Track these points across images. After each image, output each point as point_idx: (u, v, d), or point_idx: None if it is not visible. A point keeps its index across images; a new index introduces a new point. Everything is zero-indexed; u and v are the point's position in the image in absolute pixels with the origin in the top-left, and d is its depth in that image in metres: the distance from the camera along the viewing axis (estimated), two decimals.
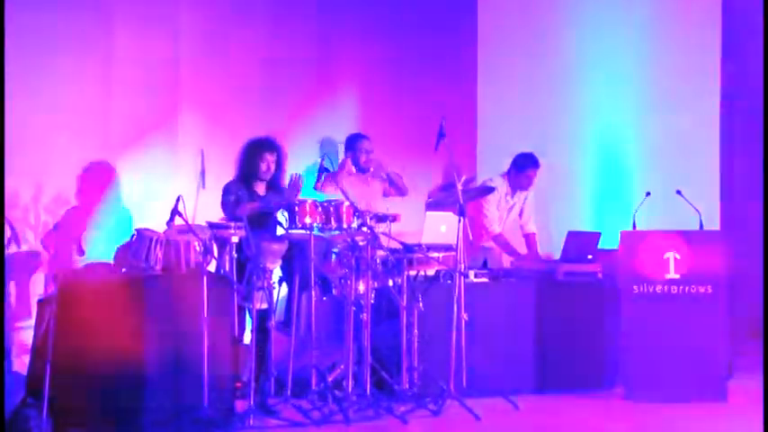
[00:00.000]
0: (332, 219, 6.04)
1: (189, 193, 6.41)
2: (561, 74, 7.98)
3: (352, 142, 7.11)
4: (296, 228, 6.01)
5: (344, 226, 6.04)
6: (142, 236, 5.76)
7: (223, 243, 5.91)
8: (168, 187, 6.60)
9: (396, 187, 6.99)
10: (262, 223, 6.43)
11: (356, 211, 6.08)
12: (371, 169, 7.10)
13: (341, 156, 7.19)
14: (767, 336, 6.16)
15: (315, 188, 6.40)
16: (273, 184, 6.69)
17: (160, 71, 6.90)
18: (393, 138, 7.43)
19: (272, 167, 6.60)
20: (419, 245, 6.26)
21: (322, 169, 6.39)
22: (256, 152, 6.57)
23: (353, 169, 7.08)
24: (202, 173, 6.53)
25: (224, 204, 6.51)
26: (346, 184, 6.69)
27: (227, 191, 6.52)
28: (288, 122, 7.14)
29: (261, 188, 6.69)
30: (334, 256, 6.25)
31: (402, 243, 6.24)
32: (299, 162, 6.91)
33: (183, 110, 7.02)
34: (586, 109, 8.00)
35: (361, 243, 6.06)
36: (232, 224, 5.99)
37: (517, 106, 8.06)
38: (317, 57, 7.50)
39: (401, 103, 7.79)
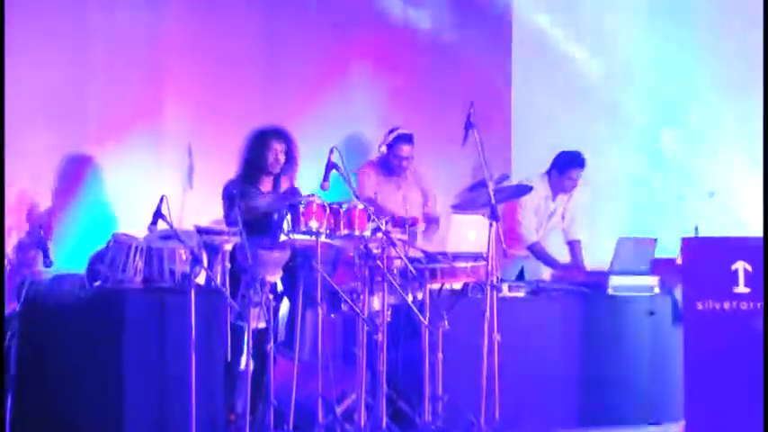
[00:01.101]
0: (342, 223, 6.06)
1: (174, 192, 6.54)
2: (610, 62, 8.20)
3: (393, 142, 7.16)
4: (300, 233, 6.03)
5: (357, 231, 6.07)
6: (119, 242, 5.81)
7: (214, 251, 5.96)
8: (150, 186, 6.62)
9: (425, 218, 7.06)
10: (260, 227, 6.42)
11: (371, 215, 6.10)
12: (405, 177, 7.21)
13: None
14: (767, 338, 6.10)
15: (321, 187, 6.28)
16: (281, 180, 6.73)
17: (141, 52, 6.94)
18: (414, 130, 7.43)
19: (281, 159, 6.64)
20: (444, 253, 6.31)
21: (330, 165, 6.22)
22: (263, 141, 6.63)
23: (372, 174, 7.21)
24: (190, 170, 6.66)
25: (225, 208, 6.46)
26: (374, 185, 6.83)
27: (229, 193, 6.47)
28: (293, 114, 7.20)
29: (267, 184, 6.72)
30: (344, 267, 6.33)
31: (424, 251, 6.30)
32: (307, 163, 6.93)
33: (168, 97, 7.05)
34: (639, 102, 8.24)
35: (375, 251, 6.09)
36: (226, 229, 6.05)
37: (559, 94, 8.23)
38: (328, 36, 7.59)
39: (423, 91, 7.90)
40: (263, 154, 6.60)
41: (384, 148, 7.15)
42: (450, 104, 7.56)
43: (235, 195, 6.29)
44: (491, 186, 6.27)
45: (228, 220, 6.38)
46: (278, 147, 6.62)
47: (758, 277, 6.26)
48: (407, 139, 7.17)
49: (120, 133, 6.84)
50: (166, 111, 7.01)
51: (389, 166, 7.19)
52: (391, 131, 7.19)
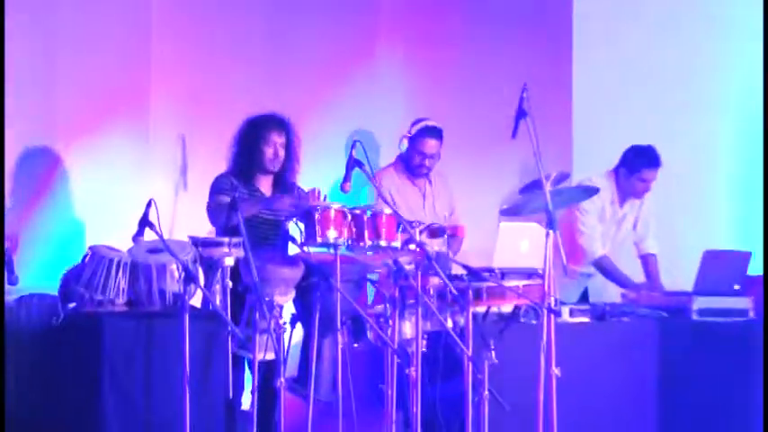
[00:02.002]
0: (367, 232, 6.05)
1: (164, 196, 6.62)
2: (688, 47, 8.29)
3: (417, 136, 7.17)
4: (316, 245, 6.05)
5: (384, 242, 6.07)
6: (99, 256, 5.81)
7: (213, 266, 5.96)
8: (136, 188, 6.65)
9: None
10: (267, 238, 6.47)
11: (401, 223, 6.11)
12: (431, 181, 7.22)
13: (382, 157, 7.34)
14: (767, 340, 6.17)
15: (342, 189, 6.31)
16: (282, 180, 6.71)
17: (126, 28, 6.97)
18: (453, 123, 7.47)
19: (281, 153, 6.63)
20: (490, 269, 6.28)
21: (353, 163, 6.26)
22: (259, 132, 6.61)
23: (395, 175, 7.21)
24: (183, 168, 6.68)
25: (213, 209, 6.49)
26: (392, 189, 6.78)
27: (217, 188, 6.52)
28: (302, 105, 7.21)
29: (265, 184, 6.70)
30: (369, 286, 6.36)
31: (466, 267, 6.24)
32: (318, 165, 6.99)
33: (155, 81, 7.05)
34: (726, 96, 8.33)
35: (407, 267, 6.07)
36: (226, 239, 5.99)
37: (630, 76, 8.23)
38: (346, 12, 7.66)
39: (463, 72, 7.89)
40: (259, 147, 6.59)
41: (405, 143, 7.16)
42: (495, 89, 7.62)
43: (230, 192, 6.33)
44: (547, 187, 6.22)
45: (214, 220, 6.40)
46: (277, 139, 6.61)
47: None
48: (435, 133, 7.17)
49: (96, 125, 6.85)
50: (153, 97, 7.03)
51: (410, 165, 7.21)
52: (417, 122, 7.19)
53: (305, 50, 7.51)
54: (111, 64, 6.92)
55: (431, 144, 7.17)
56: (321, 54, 7.55)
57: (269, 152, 6.63)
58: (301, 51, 7.50)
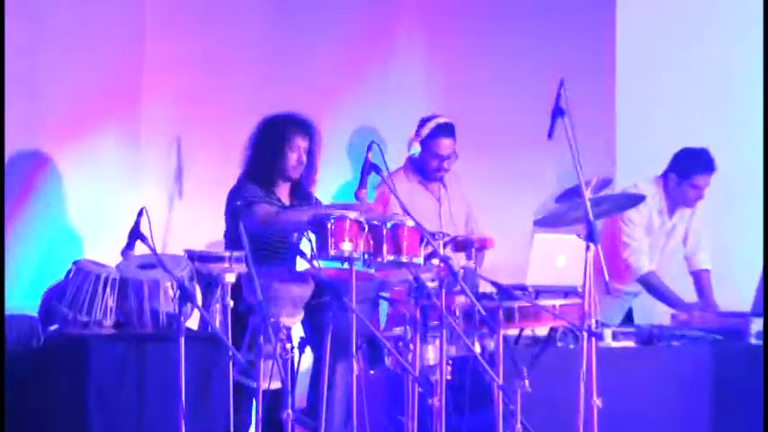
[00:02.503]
0: (386, 246, 6.01)
1: (157, 205, 6.58)
2: (738, 42, 8.42)
3: (429, 137, 7.15)
4: (329, 259, 6.00)
5: (405, 257, 6.03)
6: (84, 272, 5.81)
7: (211, 283, 5.97)
8: (126, 196, 6.69)
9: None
10: (273, 251, 6.50)
11: (424, 235, 6.06)
12: (446, 185, 7.23)
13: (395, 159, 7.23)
14: (767, 341, 6.23)
15: (356, 196, 6.32)
16: (300, 188, 6.77)
17: (117, 24, 6.98)
18: (481, 122, 7.49)
19: (304, 160, 6.70)
20: (523, 287, 6.26)
21: (369, 167, 6.23)
22: (283, 134, 6.65)
23: (407, 178, 7.23)
24: (178, 174, 6.74)
25: (244, 214, 6.41)
26: (405, 195, 6.80)
27: (246, 195, 6.51)
28: (310, 103, 7.13)
29: (283, 193, 6.75)
30: (387, 306, 6.45)
31: (496, 284, 6.23)
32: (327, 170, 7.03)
33: (149, 79, 7.08)
34: None
35: (430, 284, 6.04)
36: (226, 253, 6.02)
37: (679, 73, 8.28)
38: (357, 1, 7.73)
39: (494, 68, 7.87)
40: (282, 151, 6.64)
41: (417, 147, 7.15)
42: (530, 85, 7.63)
43: (269, 200, 6.43)
44: (587, 195, 6.15)
45: (249, 224, 6.32)
46: (302, 143, 6.67)
47: None
48: (448, 130, 7.17)
49: (84, 128, 6.86)
50: (145, 97, 7.06)
51: (426, 169, 7.20)
52: (426, 121, 7.17)
53: (311, 46, 7.56)
54: (100, 62, 6.95)
55: (446, 144, 7.16)
56: (329, 48, 7.59)
57: (293, 158, 6.68)
58: (307, 46, 7.55)
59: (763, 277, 7.28)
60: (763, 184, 7.96)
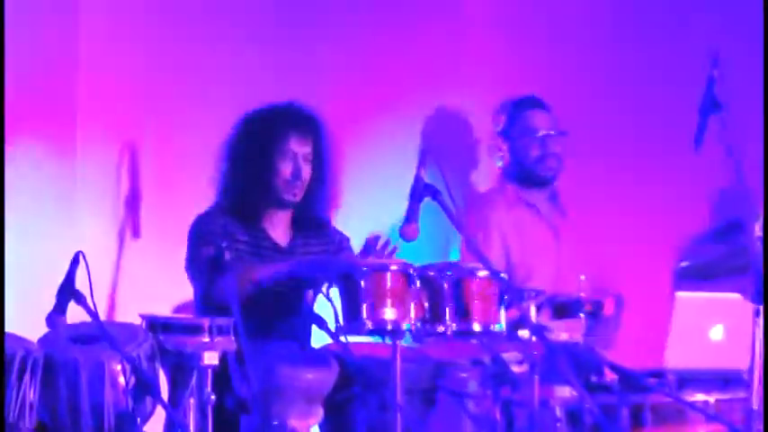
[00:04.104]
0: (448, 310, 5.92)
1: (100, 248, 6.60)
2: None
3: (510, 122, 7.23)
4: (361, 332, 5.95)
5: (477, 326, 5.92)
6: None
7: (183, 367, 5.82)
8: (56, 232, 6.77)
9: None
10: (277, 317, 6.36)
11: (505, 291, 6.01)
12: (563, 210, 7.39)
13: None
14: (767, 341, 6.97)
15: (402, 234, 6.13)
16: (307, 217, 6.66)
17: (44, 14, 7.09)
18: (588, 129, 7.55)
19: (305, 172, 6.51)
20: (659, 372, 6.16)
21: (421, 190, 6.08)
22: (272, 137, 6.53)
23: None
24: (131, 202, 6.77)
25: (195, 269, 6.46)
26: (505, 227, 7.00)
27: (198, 235, 6.46)
28: (320, 97, 7.17)
29: (280, 225, 6.63)
30: (448, 400, 6.24)
31: (617, 368, 6.17)
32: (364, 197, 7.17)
33: (88, 79, 7.13)
34: None
35: (516, 369, 5.99)
36: (205, 321, 5.79)
37: None
38: None
39: (608, 61, 7.94)
40: (269, 163, 6.55)
41: (503, 146, 7.24)
42: (654, 76, 7.74)
43: (211, 237, 6.28)
44: (757, 231, 6.02)
45: (197, 284, 6.44)
46: (299, 148, 6.54)
47: None
48: (537, 103, 7.34)
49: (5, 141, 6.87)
50: (81, 101, 7.12)
51: (524, 169, 7.27)
52: (500, 112, 7.29)
53: (329, 32, 7.65)
54: (28, 61, 7.00)
55: (540, 117, 7.23)
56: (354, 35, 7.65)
57: (286, 170, 6.50)
58: (324, 33, 7.64)
59: (764, 275, 7.26)
60: (764, 182, 7.94)
